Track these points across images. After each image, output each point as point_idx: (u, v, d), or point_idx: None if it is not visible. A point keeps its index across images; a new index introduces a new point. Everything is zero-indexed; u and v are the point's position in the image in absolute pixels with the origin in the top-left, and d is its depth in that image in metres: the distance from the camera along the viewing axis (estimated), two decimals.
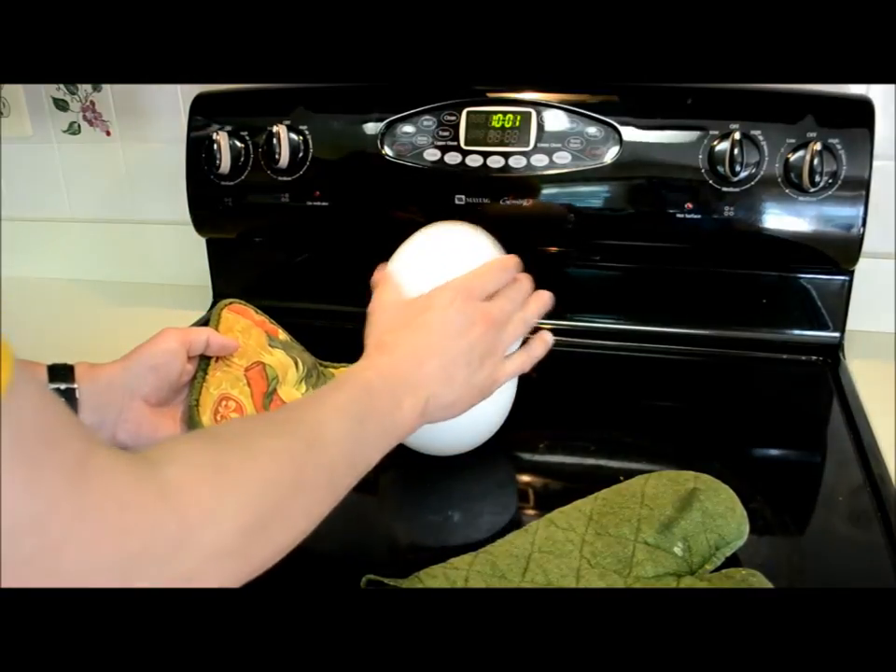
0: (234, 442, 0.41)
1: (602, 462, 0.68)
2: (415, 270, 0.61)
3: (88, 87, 1.05)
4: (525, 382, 0.68)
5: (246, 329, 0.67)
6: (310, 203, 0.89)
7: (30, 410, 0.28)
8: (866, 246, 0.77)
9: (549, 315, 0.88)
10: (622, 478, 0.60)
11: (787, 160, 0.76)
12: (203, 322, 0.94)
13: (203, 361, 0.62)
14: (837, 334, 0.82)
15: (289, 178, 0.88)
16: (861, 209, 0.75)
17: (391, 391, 0.50)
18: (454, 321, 0.55)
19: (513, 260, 0.61)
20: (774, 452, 0.71)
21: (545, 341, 0.61)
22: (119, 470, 0.32)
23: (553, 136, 0.82)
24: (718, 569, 0.52)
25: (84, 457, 0.30)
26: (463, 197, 0.84)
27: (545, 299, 0.62)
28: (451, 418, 0.55)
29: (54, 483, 0.28)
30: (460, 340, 0.54)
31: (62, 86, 1.06)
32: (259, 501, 0.39)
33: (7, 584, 0.28)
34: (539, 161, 0.82)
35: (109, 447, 0.32)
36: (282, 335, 0.71)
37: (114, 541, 0.30)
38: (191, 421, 0.58)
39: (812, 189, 0.75)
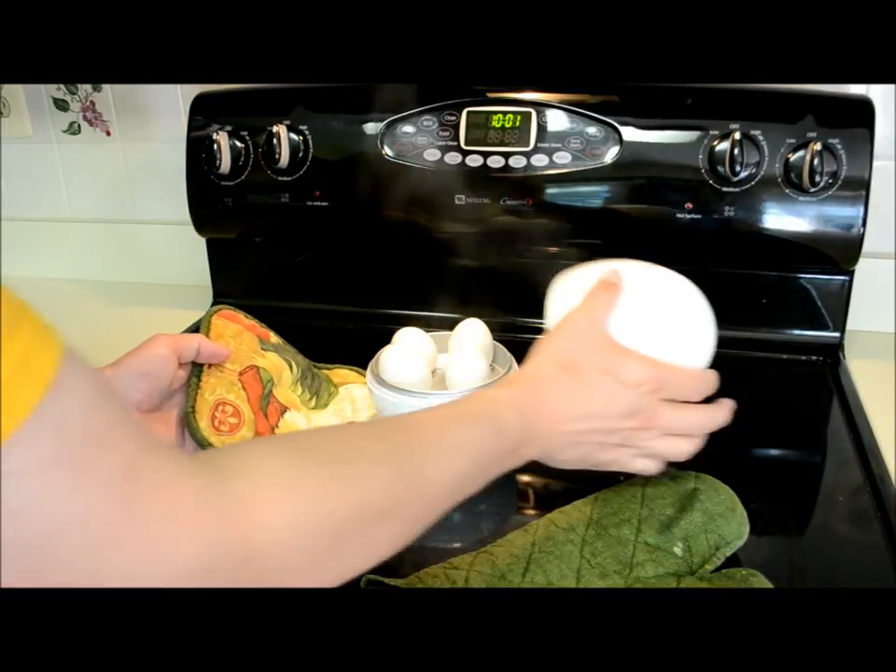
0: (322, 461, 0.38)
1: None
2: (632, 308, 0.55)
3: (88, 87, 1.05)
4: None
5: (237, 334, 0.67)
6: (310, 203, 0.89)
7: (78, 408, 0.27)
8: (866, 246, 0.77)
9: None
10: (622, 478, 0.60)
11: (787, 160, 0.76)
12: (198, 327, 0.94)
13: (196, 368, 0.61)
14: (837, 334, 0.82)
15: (289, 178, 0.88)
16: (861, 209, 0.75)
17: (520, 437, 0.48)
18: (623, 403, 0.51)
19: (714, 381, 0.55)
20: (774, 452, 0.71)
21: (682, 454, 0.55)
22: (176, 477, 0.31)
23: (553, 136, 0.82)
24: (718, 569, 0.52)
25: (136, 461, 0.29)
26: (463, 197, 0.84)
27: (697, 444, 0.55)
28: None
29: (100, 486, 0.28)
30: (611, 420, 0.51)
31: (62, 86, 1.06)
32: (336, 528, 0.36)
33: (49, 584, 0.27)
34: (539, 161, 0.82)
35: (173, 451, 0.31)
36: (273, 338, 0.71)
37: (164, 550, 0.30)
38: (189, 427, 0.58)
39: (812, 189, 0.75)
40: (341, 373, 0.75)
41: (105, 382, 0.29)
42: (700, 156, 0.78)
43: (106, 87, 1.04)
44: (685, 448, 0.54)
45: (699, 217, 0.79)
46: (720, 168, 0.77)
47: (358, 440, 0.42)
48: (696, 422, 0.54)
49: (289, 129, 0.87)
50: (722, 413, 0.55)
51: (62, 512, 0.26)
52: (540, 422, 0.49)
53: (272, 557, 0.34)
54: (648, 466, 0.54)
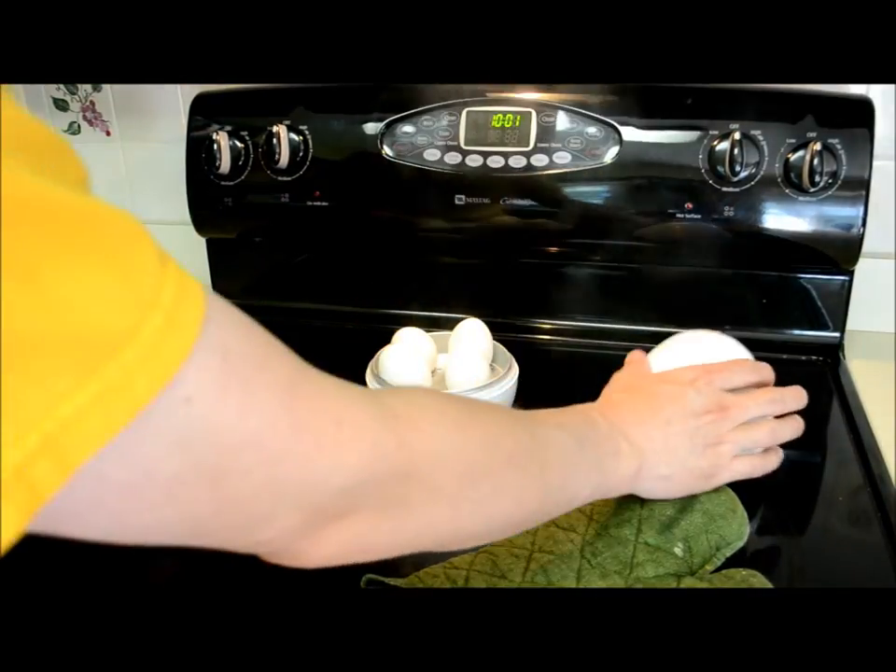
0: (456, 400, 0.43)
1: None
2: (668, 361, 0.60)
3: (88, 87, 1.05)
4: (523, 381, 0.68)
5: None
6: (310, 203, 0.89)
7: (234, 332, 0.28)
8: (866, 246, 0.77)
9: (549, 315, 0.89)
10: None
11: (787, 160, 0.76)
12: None
13: None
14: (837, 334, 0.82)
15: (289, 178, 0.88)
16: (861, 209, 0.75)
17: (611, 434, 0.50)
18: (688, 399, 0.54)
19: (766, 368, 0.58)
20: None
21: (778, 460, 0.57)
22: (337, 390, 0.33)
23: (553, 136, 0.82)
24: (718, 570, 0.52)
25: (295, 378, 0.31)
26: (463, 197, 0.84)
27: (798, 426, 0.58)
28: (665, 496, 0.55)
29: (268, 401, 0.29)
30: (688, 419, 0.53)
31: (62, 86, 1.06)
32: (475, 455, 0.39)
33: (227, 493, 0.28)
34: (539, 160, 0.82)
35: (321, 372, 0.33)
36: None
37: (332, 456, 0.31)
38: None
39: (812, 189, 0.75)
40: None
41: (245, 316, 0.31)
42: (700, 156, 0.78)
43: (106, 87, 1.04)
44: (780, 427, 0.56)
45: (699, 216, 0.79)
46: (720, 168, 0.77)
47: (479, 402, 0.47)
48: (770, 400, 0.56)
49: (289, 129, 0.87)
50: (792, 391, 0.57)
51: (236, 431, 0.28)
52: (627, 425, 0.51)
53: (424, 471, 0.36)
54: (750, 464, 0.55)
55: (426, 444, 0.36)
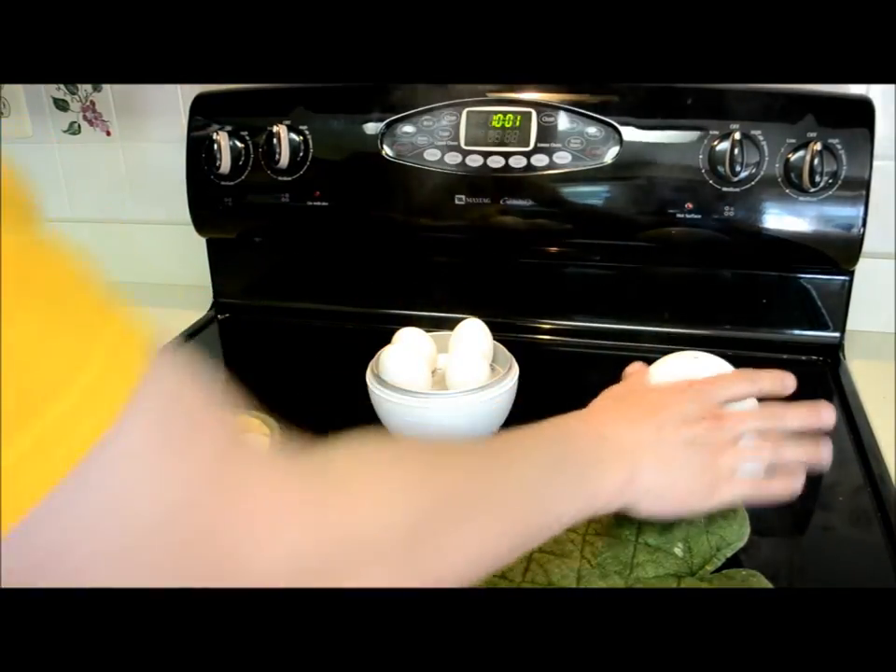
0: (407, 452, 0.40)
1: None
2: (666, 376, 0.57)
3: (88, 87, 1.05)
4: (523, 381, 0.68)
5: None
6: (310, 203, 0.89)
7: (169, 402, 0.28)
8: (866, 246, 0.77)
9: (549, 315, 0.89)
10: None
11: (787, 160, 0.76)
12: (205, 323, 0.95)
13: None
14: (837, 334, 0.82)
15: (289, 178, 0.88)
16: (861, 209, 0.75)
17: (593, 443, 0.47)
18: (682, 407, 0.50)
19: (768, 378, 0.52)
20: None
21: (792, 488, 0.51)
22: (267, 464, 0.32)
23: (553, 136, 0.82)
24: (718, 570, 0.52)
25: (228, 444, 0.30)
26: (463, 197, 0.84)
27: (816, 451, 0.51)
28: (662, 513, 0.50)
29: (199, 470, 0.28)
30: (681, 427, 0.49)
31: (62, 86, 1.06)
32: (427, 503, 0.37)
33: (168, 570, 0.28)
34: (539, 161, 0.82)
35: (255, 443, 0.32)
36: None
37: (263, 530, 0.30)
38: None
39: (812, 189, 0.75)
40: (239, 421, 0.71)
41: (186, 374, 0.29)
42: (700, 156, 0.78)
43: (106, 87, 1.04)
44: (789, 445, 0.51)
45: (699, 216, 0.79)
46: (720, 168, 0.77)
47: (431, 445, 0.43)
48: (768, 414, 0.52)
49: (289, 129, 0.87)
50: (799, 407, 0.52)
51: (168, 498, 0.27)
52: (614, 429, 0.48)
53: (374, 525, 0.34)
54: (753, 487, 0.51)
55: (374, 505, 0.35)
